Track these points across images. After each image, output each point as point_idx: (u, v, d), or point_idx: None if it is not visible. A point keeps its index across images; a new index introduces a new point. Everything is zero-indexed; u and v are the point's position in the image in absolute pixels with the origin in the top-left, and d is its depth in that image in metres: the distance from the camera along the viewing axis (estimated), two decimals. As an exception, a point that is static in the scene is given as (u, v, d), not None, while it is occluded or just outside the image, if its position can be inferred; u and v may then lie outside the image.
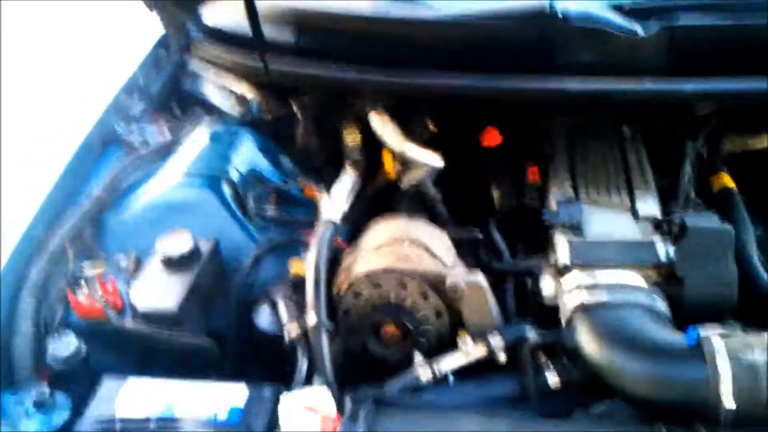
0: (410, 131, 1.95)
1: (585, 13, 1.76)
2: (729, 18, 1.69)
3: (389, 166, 1.86)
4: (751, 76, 1.67)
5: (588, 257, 1.49)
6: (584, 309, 1.39)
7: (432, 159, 1.86)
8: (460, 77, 1.78)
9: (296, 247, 1.65)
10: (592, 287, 1.43)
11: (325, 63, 1.85)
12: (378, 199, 1.93)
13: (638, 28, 1.70)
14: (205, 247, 1.56)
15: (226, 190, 1.71)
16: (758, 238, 1.71)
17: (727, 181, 1.79)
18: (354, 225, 1.79)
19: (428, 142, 1.92)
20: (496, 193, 1.88)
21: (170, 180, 1.72)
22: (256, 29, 1.86)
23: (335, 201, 1.69)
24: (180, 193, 1.70)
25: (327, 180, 1.91)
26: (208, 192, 1.69)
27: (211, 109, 2.06)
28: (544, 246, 1.63)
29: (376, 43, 1.85)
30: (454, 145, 1.96)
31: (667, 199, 1.70)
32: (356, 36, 1.87)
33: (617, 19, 1.73)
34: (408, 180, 1.79)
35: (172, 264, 1.51)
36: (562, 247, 1.53)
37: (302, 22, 1.90)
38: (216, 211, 1.68)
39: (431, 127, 1.97)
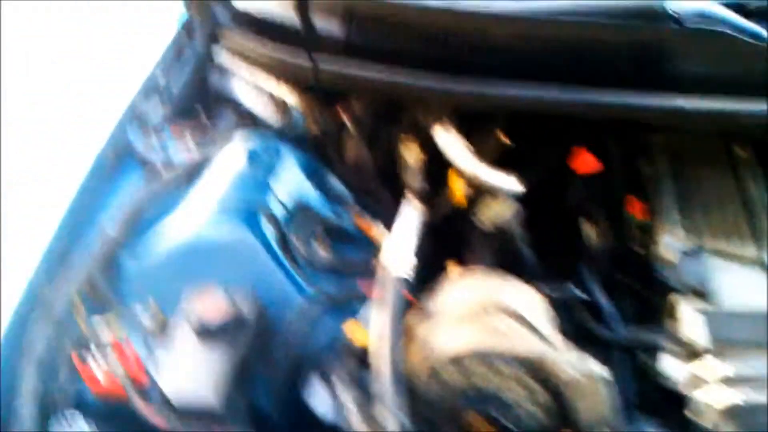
0: (479, 146, 1.64)
1: (703, 12, 1.44)
2: None
3: (459, 192, 1.54)
4: None
5: (730, 336, 1.19)
6: (741, 413, 1.10)
7: (510, 183, 1.54)
8: (548, 88, 1.46)
9: (352, 303, 1.36)
10: (739, 381, 1.13)
11: (384, 64, 1.54)
12: (443, 229, 1.62)
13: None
14: (250, 311, 1.26)
15: (268, 228, 1.40)
16: None
17: None
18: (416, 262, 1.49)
19: (500, 163, 1.61)
20: (589, 233, 1.56)
21: (198, 216, 1.41)
22: (305, 18, 1.53)
23: (401, 248, 1.37)
24: (211, 233, 1.38)
25: (383, 206, 1.60)
26: (245, 231, 1.38)
27: (243, 115, 1.74)
28: (654, 308, 1.33)
29: (445, 42, 1.54)
30: (531, 168, 1.65)
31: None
32: (421, 32, 1.54)
33: (741, 21, 1.42)
34: (489, 218, 1.47)
35: (209, 335, 1.22)
36: (692, 321, 1.22)
37: (357, 12, 1.58)
38: (256, 256, 1.37)
39: (504, 140, 1.65)
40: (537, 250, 1.55)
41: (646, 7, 1.45)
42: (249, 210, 1.41)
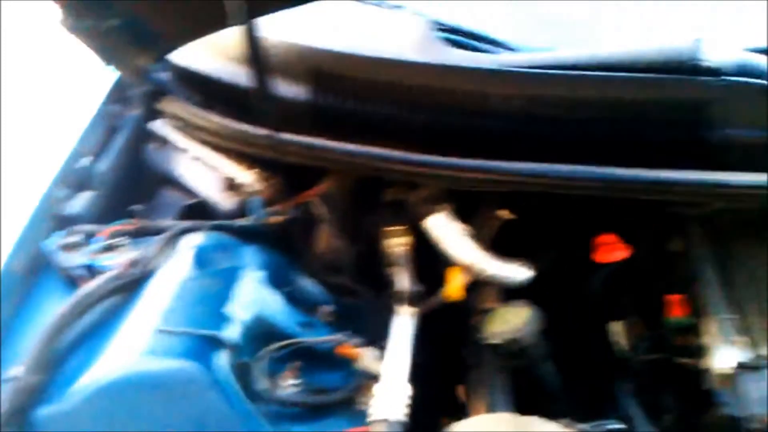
0: (476, 225, 1.36)
1: (743, 64, 1.19)
2: None
3: (456, 287, 1.26)
4: None
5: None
6: None
7: (515, 273, 1.27)
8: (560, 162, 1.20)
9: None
10: None
11: (360, 134, 1.30)
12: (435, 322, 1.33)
13: None
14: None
15: (223, 358, 1.09)
16: None
17: None
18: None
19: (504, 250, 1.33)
20: (620, 340, 1.27)
21: (132, 343, 1.11)
22: (261, 78, 1.25)
23: (393, 382, 1.08)
24: (147, 366, 1.08)
25: (365, 307, 1.31)
26: (191, 362, 1.07)
27: (189, 201, 1.44)
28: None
29: (436, 106, 1.30)
30: (542, 252, 1.37)
31: None
32: (407, 94, 1.30)
33: None
34: (499, 332, 1.18)
35: None
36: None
37: (326, 70, 1.34)
38: (205, 394, 1.07)
39: (505, 214, 1.38)
40: (557, 364, 1.27)
41: (676, 57, 1.21)
42: (200, 336, 1.11)
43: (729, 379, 1.08)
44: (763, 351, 1.11)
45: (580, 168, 1.23)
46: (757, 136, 1.22)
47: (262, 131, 1.33)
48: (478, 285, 1.31)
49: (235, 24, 1.20)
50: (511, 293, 1.29)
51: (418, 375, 1.18)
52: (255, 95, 1.28)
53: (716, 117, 1.22)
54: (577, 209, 1.37)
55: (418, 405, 1.10)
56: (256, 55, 1.24)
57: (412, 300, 1.24)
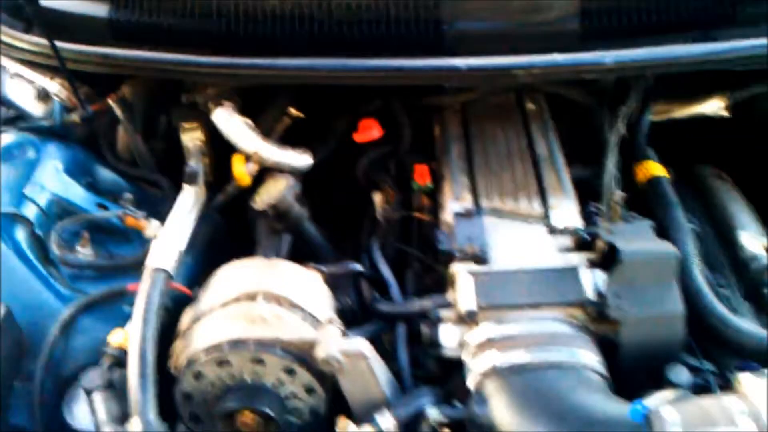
0: (267, 121, 1.56)
1: None
2: None
3: (240, 173, 1.45)
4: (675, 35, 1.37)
5: (496, 297, 1.15)
6: (497, 373, 1.06)
7: (296, 160, 1.47)
8: (327, 58, 1.39)
9: (120, 302, 1.25)
10: (505, 342, 1.10)
11: (148, 42, 1.44)
12: (233, 211, 1.53)
13: None
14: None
15: (20, 232, 1.28)
16: (696, 235, 1.41)
17: (655, 168, 1.47)
18: (202, 254, 1.41)
19: (290, 139, 1.53)
20: (376, 203, 1.50)
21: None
22: None
23: (167, 239, 1.28)
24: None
25: (165, 196, 1.50)
26: (-5, 237, 1.25)
27: (8, 108, 1.59)
28: (442, 276, 1.28)
29: (218, 14, 1.43)
30: (321, 142, 1.58)
31: (585, 196, 1.37)
32: (191, 4, 1.44)
33: None
34: (262, 199, 1.39)
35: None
36: (463, 284, 1.18)
37: None
38: (6, 264, 1.26)
39: (294, 113, 1.58)
40: (329, 227, 1.49)
41: None
42: (-2, 213, 1.28)
43: (450, 226, 1.32)
44: (485, 203, 1.35)
45: (341, 61, 1.41)
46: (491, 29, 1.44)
47: (67, 46, 1.47)
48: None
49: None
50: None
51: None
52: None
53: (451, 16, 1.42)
54: (350, 101, 1.58)
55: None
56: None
57: (192, 179, 1.41)
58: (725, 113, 1.54)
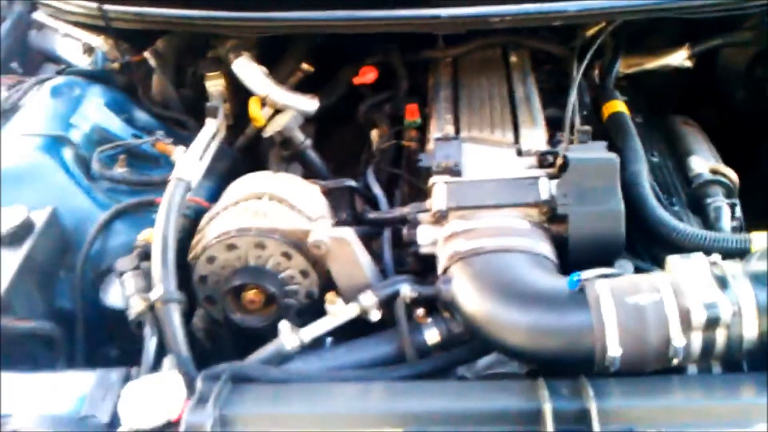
0: (282, 74, 1.79)
1: None
2: None
3: (256, 113, 1.68)
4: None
5: (464, 199, 1.35)
6: (460, 257, 1.25)
7: (304, 103, 1.69)
8: (324, 10, 1.60)
9: (149, 211, 1.48)
10: (468, 233, 1.29)
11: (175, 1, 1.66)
12: (251, 150, 1.76)
13: None
14: (40, 217, 1.37)
15: (67, 152, 1.53)
16: (654, 164, 1.60)
17: (619, 106, 1.66)
18: (223, 180, 1.63)
19: (304, 85, 1.77)
20: (374, 136, 1.72)
21: (4, 146, 1.51)
22: None
23: (190, 157, 1.50)
24: (14, 160, 1.49)
25: (191, 134, 1.72)
26: (44, 155, 1.50)
27: (61, 64, 1.85)
28: (425, 193, 1.48)
29: None
30: (330, 86, 1.81)
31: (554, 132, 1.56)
32: None
33: None
34: (272, 128, 1.61)
35: (2, 241, 1.32)
36: (438, 191, 1.38)
37: None
38: (54, 177, 1.50)
39: (306, 67, 1.81)
40: (333, 159, 1.71)
41: None
42: (48, 136, 1.53)
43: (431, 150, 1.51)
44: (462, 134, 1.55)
45: (335, 13, 1.58)
46: None
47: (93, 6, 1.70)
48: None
49: None
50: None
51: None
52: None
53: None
54: (357, 56, 1.81)
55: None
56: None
57: (212, 112, 1.63)
58: (689, 63, 1.73)
